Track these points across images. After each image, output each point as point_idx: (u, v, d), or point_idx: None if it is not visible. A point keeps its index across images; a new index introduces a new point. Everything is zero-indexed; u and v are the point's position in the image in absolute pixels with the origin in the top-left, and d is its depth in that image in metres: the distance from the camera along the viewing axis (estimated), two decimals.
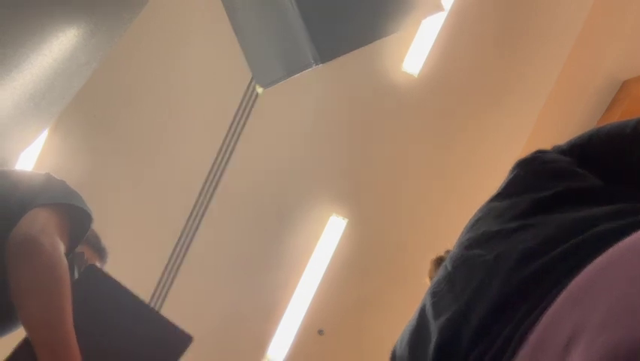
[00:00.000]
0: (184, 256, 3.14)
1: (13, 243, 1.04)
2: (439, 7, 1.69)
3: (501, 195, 0.80)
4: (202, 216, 3.11)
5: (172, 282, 3.14)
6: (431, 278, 0.94)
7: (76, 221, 1.19)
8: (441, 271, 0.77)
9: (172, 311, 3.20)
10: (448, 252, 0.85)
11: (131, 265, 3.13)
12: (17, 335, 1.18)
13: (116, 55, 3.03)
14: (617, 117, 3.09)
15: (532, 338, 0.56)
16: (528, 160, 0.83)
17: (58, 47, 1.79)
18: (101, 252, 1.45)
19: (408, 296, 3.57)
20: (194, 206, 3.12)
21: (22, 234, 1.04)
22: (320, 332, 3.76)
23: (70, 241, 1.17)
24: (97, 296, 1.09)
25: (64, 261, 1.05)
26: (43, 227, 1.07)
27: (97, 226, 1.31)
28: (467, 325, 0.64)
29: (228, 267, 3.62)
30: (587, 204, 0.70)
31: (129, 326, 1.06)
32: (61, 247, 1.07)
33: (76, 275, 1.31)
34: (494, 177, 3.46)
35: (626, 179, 0.75)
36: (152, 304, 3.09)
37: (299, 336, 3.67)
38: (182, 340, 1.04)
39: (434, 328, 0.69)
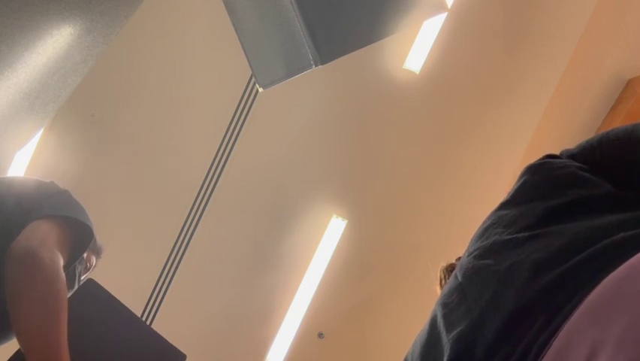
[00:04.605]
0: (182, 257, 3.12)
1: (12, 255, 1.04)
2: (442, 8, 1.66)
3: (510, 203, 0.77)
4: (200, 217, 3.08)
5: (170, 284, 3.11)
6: (442, 287, 0.92)
7: (77, 234, 1.19)
8: (451, 281, 0.74)
9: (170, 314, 3.19)
10: (458, 259, 0.82)
11: (127, 266, 3.11)
12: (11, 346, 1.16)
13: (113, 53, 3.00)
14: (622, 116, 3.06)
15: (550, 353, 0.54)
16: (537, 166, 0.80)
17: (53, 45, 1.76)
18: (98, 251, 1.45)
19: (409, 299, 3.56)
20: (192, 207, 3.10)
21: (22, 246, 1.05)
22: (320, 336, 3.73)
23: (70, 254, 1.17)
24: (93, 312, 1.08)
25: (63, 275, 1.05)
26: (43, 240, 1.07)
27: (95, 226, 1.30)
28: (482, 338, 0.62)
29: (227, 269, 3.60)
30: (601, 211, 0.68)
31: (124, 342, 1.06)
32: (61, 261, 1.08)
33: (77, 275, 1.30)
34: (497, 176, 3.45)
35: (638, 185, 0.72)
36: (149, 307, 3.07)
37: (298, 340, 3.65)
38: (177, 358, 1.03)
39: (447, 341, 0.67)
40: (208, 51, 3.28)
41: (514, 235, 0.69)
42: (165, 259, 3.13)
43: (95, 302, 1.11)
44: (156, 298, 3.09)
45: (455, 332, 0.66)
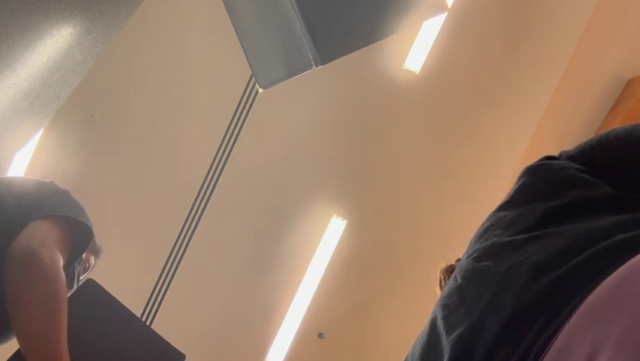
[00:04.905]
0: (182, 257, 3.12)
1: (12, 255, 1.05)
2: (442, 8, 1.66)
3: (509, 204, 0.77)
4: (200, 217, 3.08)
5: (170, 284, 3.11)
6: (441, 288, 0.92)
7: (76, 234, 1.19)
8: (451, 283, 0.74)
9: (170, 314, 3.19)
10: (458, 260, 0.82)
11: (127, 266, 3.11)
12: (11, 345, 1.16)
13: (113, 53, 3.00)
14: (622, 116, 3.06)
15: (550, 354, 0.54)
16: (535, 167, 0.80)
17: (53, 45, 1.76)
18: (97, 251, 1.45)
19: (409, 299, 3.56)
20: (192, 207, 3.10)
21: (22, 246, 1.05)
22: (320, 336, 3.73)
23: (70, 254, 1.17)
24: (93, 312, 1.08)
25: (63, 275, 1.05)
26: (43, 240, 1.07)
27: (94, 226, 1.30)
28: (481, 339, 0.62)
29: (227, 269, 3.60)
30: (600, 213, 0.68)
31: (123, 342, 1.06)
32: (61, 261, 1.08)
33: (76, 275, 1.31)
34: (497, 176, 3.44)
35: (637, 186, 0.72)
36: (149, 307, 3.07)
37: (298, 340, 3.65)
38: (175, 358, 1.03)
39: (447, 343, 0.67)
40: (208, 51, 3.28)
41: (513, 237, 0.69)
42: (165, 259, 3.13)
43: (95, 302, 1.12)
44: (156, 298, 3.09)
45: (455, 334, 0.65)
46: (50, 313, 0.99)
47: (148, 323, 3.01)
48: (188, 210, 3.12)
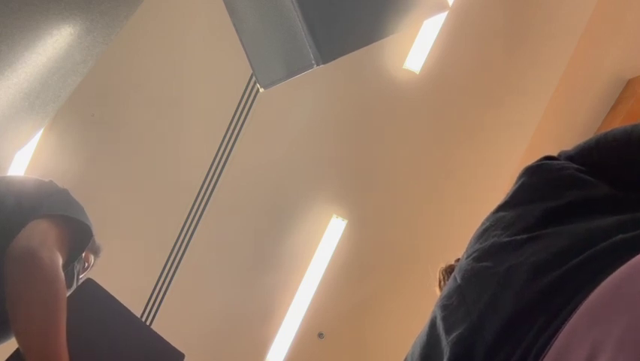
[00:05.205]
0: (182, 257, 3.12)
1: (12, 254, 1.05)
2: (443, 7, 1.66)
3: (508, 205, 0.77)
4: (200, 217, 3.08)
5: (170, 284, 3.11)
6: (441, 288, 0.92)
7: (76, 233, 1.19)
8: (450, 283, 0.74)
9: (170, 314, 3.19)
10: (457, 260, 0.82)
11: (127, 266, 3.11)
12: (11, 345, 1.16)
13: (113, 53, 3.00)
14: (622, 116, 3.06)
15: (550, 354, 0.54)
16: (535, 168, 0.80)
17: (53, 45, 1.76)
18: (96, 251, 1.45)
19: (409, 299, 3.56)
20: (192, 207, 3.10)
21: (22, 246, 1.05)
22: (320, 336, 3.73)
23: (70, 253, 1.17)
24: (92, 312, 1.08)
25: (62, 275, 1.05)
26: (42, 240, 1.07)
27: (94, 226, 1.30)
28: (481, 340, 0.62)
29: (227, 269, 3.60)
30: (600, 213, 0.67)
31: (122, 341, 1.06)
32: (60, 261, 1.08)
33: (75, 274, 1.31)
34: (497, 176, 3.44)
35: (637, 185, 0.72)
36: (149, 307, 3.07)
37: (298, 340, 3.65)
38: (175, 357, 1.03)
39: (446, 343, 0.66)
40: (208, 51, 3.28)
41: (512, 237, 0.69)
42: (165, 259, 3.13)
43: (94, 302, 1.12)
44: (156, 298, 3.09)
45: (454, 334, 0.65)
46: (50, 313, 0.99)
47: (148, 323, 3.00)
48: (188, 210, 3.11)
